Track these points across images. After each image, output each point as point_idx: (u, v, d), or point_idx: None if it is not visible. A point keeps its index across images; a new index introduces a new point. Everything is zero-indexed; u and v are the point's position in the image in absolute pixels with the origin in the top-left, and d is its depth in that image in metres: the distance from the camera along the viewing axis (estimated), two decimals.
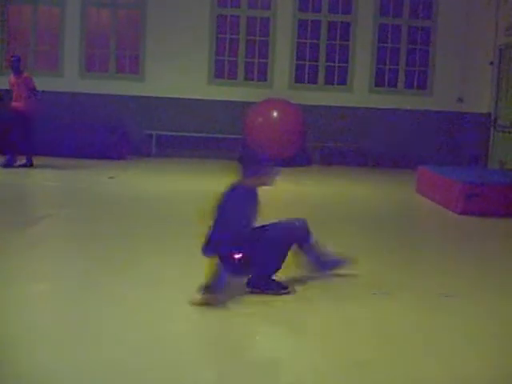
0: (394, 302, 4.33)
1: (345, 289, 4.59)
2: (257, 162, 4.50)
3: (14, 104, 10.48)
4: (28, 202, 7.58)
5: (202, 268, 4.21)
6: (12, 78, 10.65)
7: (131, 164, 11.69)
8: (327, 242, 6.10)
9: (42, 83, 12.87)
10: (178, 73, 13.04)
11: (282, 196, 8.63)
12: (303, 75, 13.37)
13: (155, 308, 4.03)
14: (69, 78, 13.09)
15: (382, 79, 13.42)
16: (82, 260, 5.11)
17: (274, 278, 4.42)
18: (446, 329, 3.89)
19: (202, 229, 4.33)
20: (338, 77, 13.38)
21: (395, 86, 13.43)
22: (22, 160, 10.31)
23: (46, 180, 9.34)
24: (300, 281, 4.69)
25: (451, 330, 3.86)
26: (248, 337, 3.71)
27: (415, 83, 13.46)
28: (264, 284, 4.37)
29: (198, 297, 4.06)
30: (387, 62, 13.40)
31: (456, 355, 3.47)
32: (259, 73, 13.37)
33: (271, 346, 3.60)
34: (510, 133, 11.22)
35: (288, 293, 4.37)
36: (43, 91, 12.67)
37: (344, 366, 3.26)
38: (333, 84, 13.39)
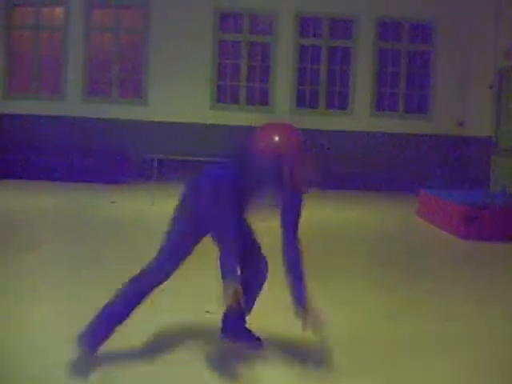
0: (397, 327, 4.31)
1: (343, 316, 4.56)
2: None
3: None
4: (31, 227, 7.58)
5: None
6: None
7: (133, 188, 11.72)
8: (327, 266, 6.11)
9: (44, 107, 13.01)
10: (181, 97, 13.12)
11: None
12: (304, 100, 13.45)
13: (155, 332, 4.01)
14: (71, 102, 13.16)
15: (382, 104, 13.50)
16: (84, 284, 5.10)
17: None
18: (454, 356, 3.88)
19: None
20: (339, 101, 13.46)
21: (396, 110, 13.50)
22: None
23: (48, 204, 9.36)
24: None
25: (457, 357, 3.85)
26: None
27: (416, 107, 13.54)
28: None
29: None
30: (387, 87, 13.49)
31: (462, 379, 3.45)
32: (261, 97, 13.45)
33: None
34: (511, 156, 11.25)
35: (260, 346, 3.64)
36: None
37: None
38: (334, 108, 13.46)
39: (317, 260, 6.44)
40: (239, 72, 13.39)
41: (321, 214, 9.80)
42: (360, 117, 13.36)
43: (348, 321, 4.38)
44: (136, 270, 3.55)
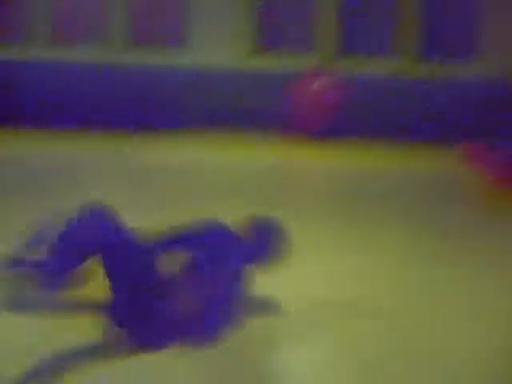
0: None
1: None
2: None
3: None
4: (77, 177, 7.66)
5: None
6: None
7: (181, 136, 11.72)
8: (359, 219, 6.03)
9: (87, 54, 12.97)
10: (222, 41, 12.90)
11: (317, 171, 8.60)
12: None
13: None
14: (114, 49, 13.07)
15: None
16: None
17: None
18: None
19: None
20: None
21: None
22: None
23: (100, 153, 9.42)
24: None
25: None
26: None
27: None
28: None
29: None
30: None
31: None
32: (304, 41, 13.17)
33: None
34: None
35: None
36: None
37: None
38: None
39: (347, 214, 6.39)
40: (281, 16, 13.11)
41: (349, 161, 9.64)
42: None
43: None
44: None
